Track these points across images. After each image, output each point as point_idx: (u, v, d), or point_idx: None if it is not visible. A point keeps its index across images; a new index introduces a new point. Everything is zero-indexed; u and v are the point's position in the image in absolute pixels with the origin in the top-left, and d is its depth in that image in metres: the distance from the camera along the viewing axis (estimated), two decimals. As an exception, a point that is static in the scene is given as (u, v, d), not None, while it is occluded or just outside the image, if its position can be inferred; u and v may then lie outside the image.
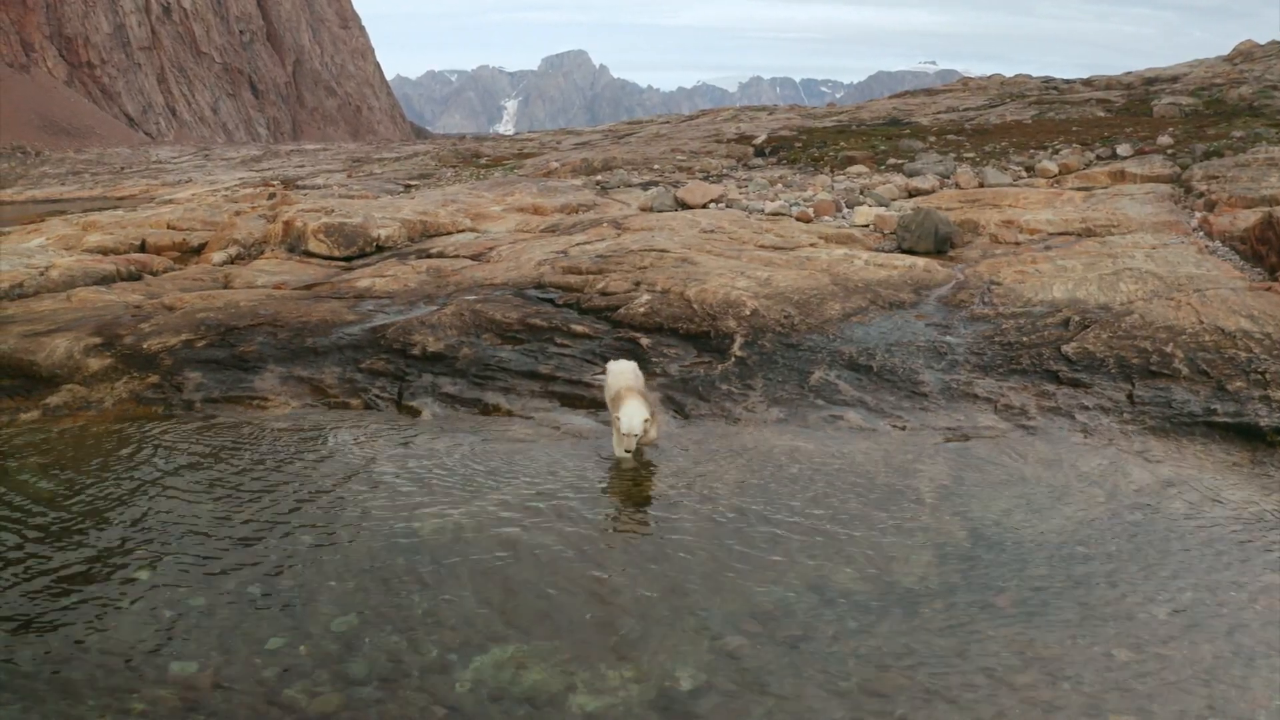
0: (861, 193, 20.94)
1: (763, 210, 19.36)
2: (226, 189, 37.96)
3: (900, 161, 25.81)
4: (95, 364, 10.43)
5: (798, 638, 5.36)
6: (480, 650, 5.26)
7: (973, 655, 5.18)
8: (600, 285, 12.41)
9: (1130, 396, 8.91)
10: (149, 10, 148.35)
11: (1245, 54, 40.88)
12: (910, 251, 14.90)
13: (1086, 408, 8.85)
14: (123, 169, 66.17)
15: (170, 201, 30.58)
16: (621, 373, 8.28)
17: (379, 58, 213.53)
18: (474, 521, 6.87)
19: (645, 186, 24.62)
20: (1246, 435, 8.21)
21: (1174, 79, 40.02)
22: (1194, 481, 7.51)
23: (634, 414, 7.52)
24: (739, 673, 5.05)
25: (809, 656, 5.18)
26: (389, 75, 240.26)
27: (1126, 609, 5.63)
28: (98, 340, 10.87)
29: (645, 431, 7.61)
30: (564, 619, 5.58)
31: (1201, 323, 9.86)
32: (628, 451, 7.57)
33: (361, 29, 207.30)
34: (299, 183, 35.63)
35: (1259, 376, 8.84)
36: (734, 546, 6.49)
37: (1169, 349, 9.46)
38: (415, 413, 9.46)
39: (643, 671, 5.05)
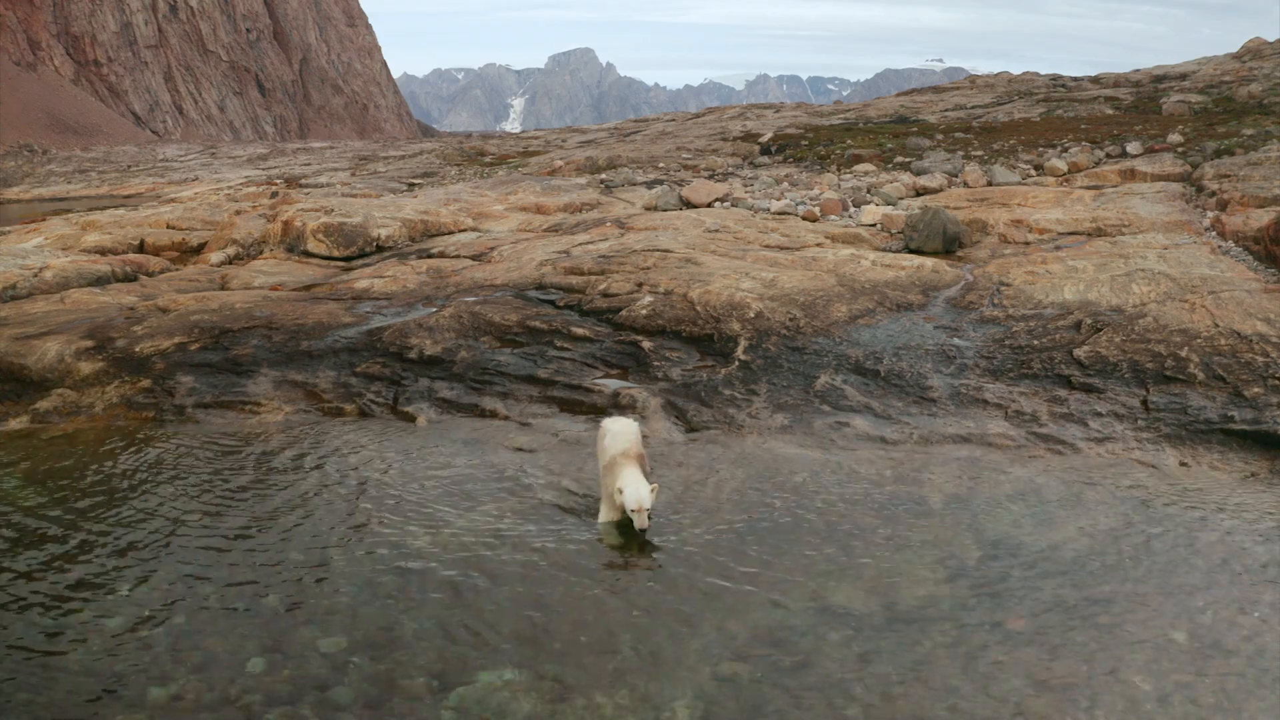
0: (868, 191, 20.70)
1: (768, 209, 19.12)
2: (231, 187, 37.84)
3: (907, 160, 25.55)
4: (86, 368, 10.24)
5: (801, 663, 5.13)
6: (470, 676, 5.03)
7: (985, 683, 4.94)
8: (602, 286, 12.19)
9: (1144, 402, 8.67)
10: (155, 9, 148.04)
11: (1254, 51, 40.54)
12: (918, 251, 14.65)
13: (1100, 414, 8.61)
14: (129, 167, 66.21)
15: (173, 200, 30.45)
16: (621, 434, 7.10)
17: (386, 56, 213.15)
18: (467, 538, 6.66)
19: (650, 185, 24.40)
20: (1265, 443, 7.96)
21: (1183, 76, 39.70)
22: (1212, 492, 7.28)
23: (639, 487, 6.52)
24: (739, 702, 4.82)
25: (812, 684, 4.95)
26: (396, 73, 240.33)
27: (1145, 631, 5.39)
28: (89, 343, 10.68)
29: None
30: (557, 643, 5.36)
31: (1216, 326, 9.61)
32: (641, 530, 6.49)
33: (368, 27, 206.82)
34: (303, 181, 35.46)
35: (1277, 382, 8.59)
36: (734, 564, 6.26)
37: (1184, 353, 9.22)
38: (411, 418, 9.25)
39: (638, 700, 4.83)
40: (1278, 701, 4.79)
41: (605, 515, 6.91)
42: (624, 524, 6.75)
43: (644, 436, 8.50)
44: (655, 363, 10.05)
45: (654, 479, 6.88)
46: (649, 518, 6.51)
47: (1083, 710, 4.72)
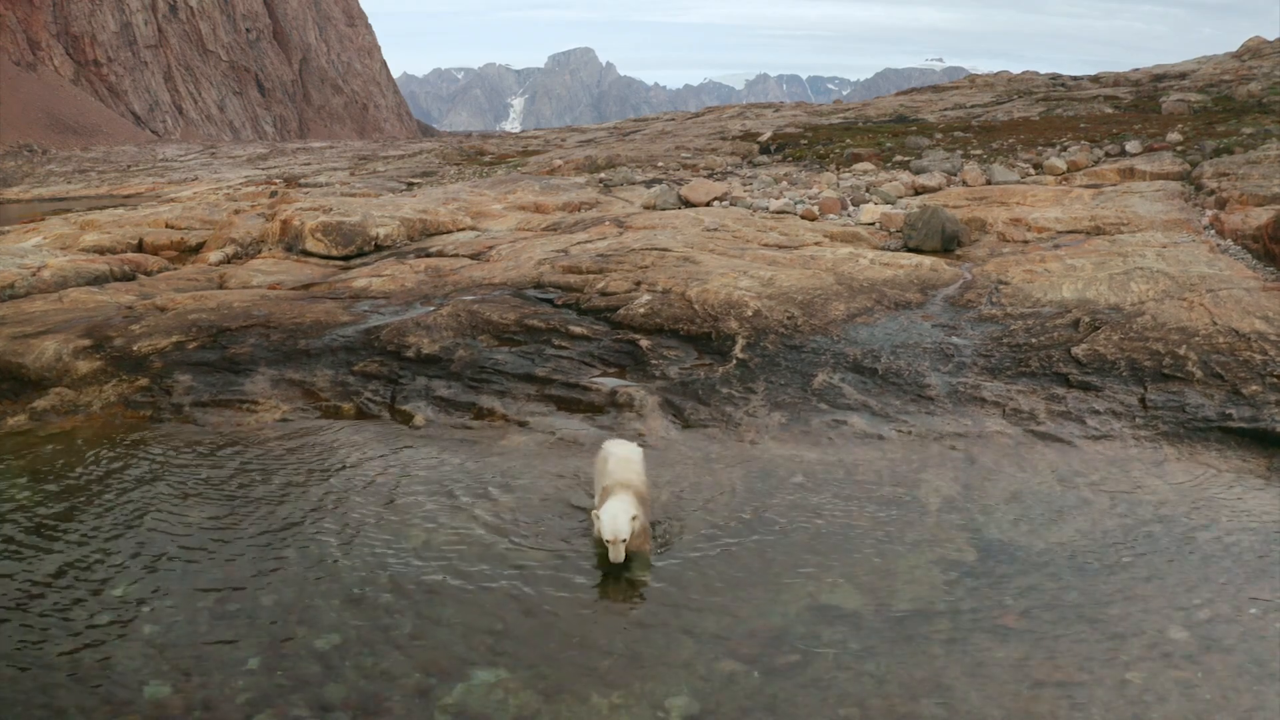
0: (867, 190, 20.68)
1: (767, 208, 19.11)
2: (231, 187, 37.83)
3: (907, 159, 25.53)
4: (84, 367, 10.23)
5: (796, 662, 5.12)
6: (463, 675, 5.03)
7: (981, 681, 4.94)
8: (600, 285, 12.17)
9: (1143, 400, 8.66)
10: (155, 8, 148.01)
11: (1254, 50, 40.50)
12: (917, 250, 14.64)
13: (1098, 412, 8.60)
14: (129, 167, 66.20)
15: (173, 200, 30.44)
16: (626, 460, 6.62)
17: (385, 55, 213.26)
18: (463, 538, 6.65)
19: (649, 184, 24.37)
20: (1263, 441, 7.95)
21: (1182, 75, 39.68)
22: (1209, 490, 7.26)
23: (617, 514, 6.01)
24: (734, 700, 4.82)
25: (808, 683, 4.95)
26: (396, 73, 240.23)
27: (1141, 629, 5.39)
28: (87, 342, 10.67)
29: (631, 534, 6.07)
30: (551, 642, 5.35)
31: (1215, 324, 9.60)
32: (615, 562, 6.01)
33: (368, 26, 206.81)
34: (302, 180, 35.45)
35: (1275, 380, 8.58)
36: (730, 564, 6.25)
37: (1182, 351, 9.21)
38: (408, 417, 9.24)
39: (632, 698, 4.82)
40: (1275, 699, 4.78)
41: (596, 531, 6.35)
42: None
43: (640, 433, 8.51)
44: (653, 361, 10.04)
45: (652, 483, 6.84)
46: (623, 554, 6.00)
47: (1080, 708, 4.71)
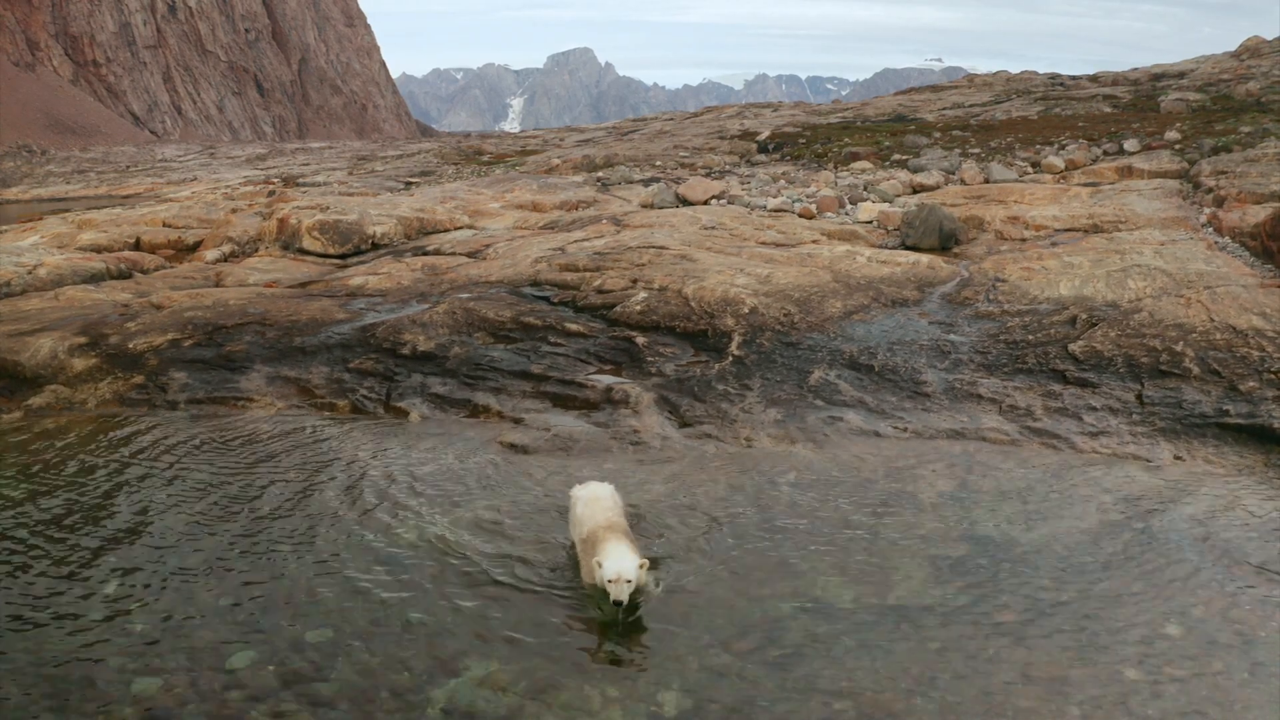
0: (865, 189, 20.67)
1: (765, 206, 19.09)
2: (229, 187, 37.81)
3: (905, 157, 25.52)
4: (80, 364, 10.21)
5: (790, 657, 5.10)
6: (457, 670, 5.01)
7: (975, 676, 4.91)
8: (597, 283, 12.15)
9: (1139, 397, 8.64)
10: (154, 9, 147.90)
11: (1253, 50, 40.51)
12: (914, 248, 14.63)
13: (1094, 408, 8.57)
14: (128, 168, 66.17)
15: (171, 200, 30.41)
16: (595, 500, 6.20)
17: (384, 56, 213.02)
18: (456, 535, 6.63)
19: (647, 183, 24.34)
20: (1260, 437, 7.93)
21: (1181, 75, 39.69)
22: (1206, 486, 7.24)
23: (623, 558, 5.55)
24: (728, 694, 4.79)
25: (801, 677, 4.92)
26: (395, 73, 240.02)
27: (1136, 625, 5.36)
28: (83, 340, 10.64)
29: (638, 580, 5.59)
30: (545, 638, 5.33)
31: (1212, 321, 9.58)
32: (617, 603, 5.43)
33: (367, 27, 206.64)
34: (300, 180, 35.44)
35: (1272, 376, 8.56)
36: (724, 560, 6.23)
37: (1179, 348, 9.19)
38: (403, 414, 9.21)
39: (626, 693, 4.80)
40: (1270, 694, 4.76)
41: (589, 578, 5.83)
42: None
43: (635, 430, 8.49)
44: (649, 358, 10.01)
45: (647, 480, 6.80)
46: (627, 595, 5.44)
47: (1074, 704, 4.69)
